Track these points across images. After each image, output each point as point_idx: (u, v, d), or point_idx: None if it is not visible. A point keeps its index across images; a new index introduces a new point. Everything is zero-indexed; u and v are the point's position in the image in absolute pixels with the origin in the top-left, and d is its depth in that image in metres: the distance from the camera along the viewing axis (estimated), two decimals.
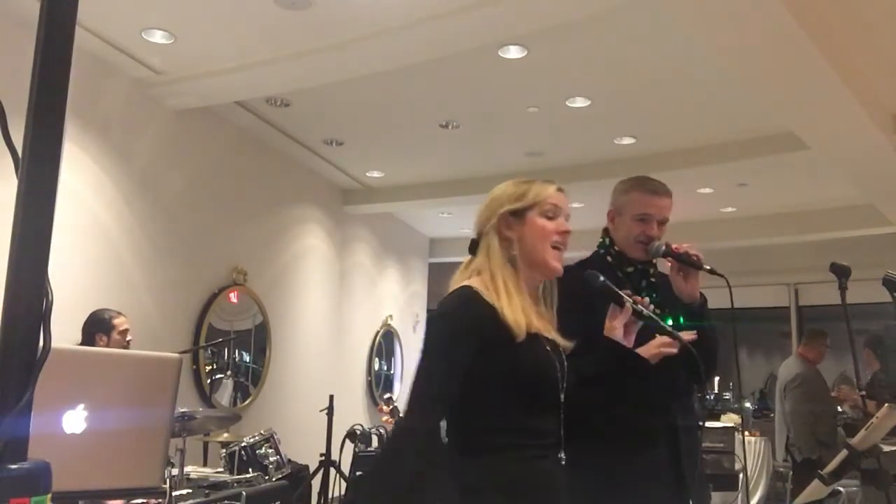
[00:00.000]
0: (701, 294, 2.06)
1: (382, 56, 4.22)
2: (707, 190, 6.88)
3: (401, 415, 1.68)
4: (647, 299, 1.81)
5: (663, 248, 2.05)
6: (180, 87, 4.74)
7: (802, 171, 6.05)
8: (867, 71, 3.94)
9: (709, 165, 5.90)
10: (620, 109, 5.23)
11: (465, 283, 1.61)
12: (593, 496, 1.90)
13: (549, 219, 1.69)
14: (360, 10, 3.82)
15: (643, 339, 1.86)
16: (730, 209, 7.59)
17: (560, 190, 1.74)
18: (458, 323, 1.58)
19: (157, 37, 4.19)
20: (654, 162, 5.91)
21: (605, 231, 2.22)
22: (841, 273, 2.48)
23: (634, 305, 1.76)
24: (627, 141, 5.74)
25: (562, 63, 4.54)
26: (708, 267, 2.00)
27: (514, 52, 4.34)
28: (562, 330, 1.69)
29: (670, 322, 2.03)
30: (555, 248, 1.68)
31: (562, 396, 1.63)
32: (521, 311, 1.58)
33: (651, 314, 1.77)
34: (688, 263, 2.01)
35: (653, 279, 2.16)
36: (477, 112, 5.37)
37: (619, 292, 1.77)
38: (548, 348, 1.63)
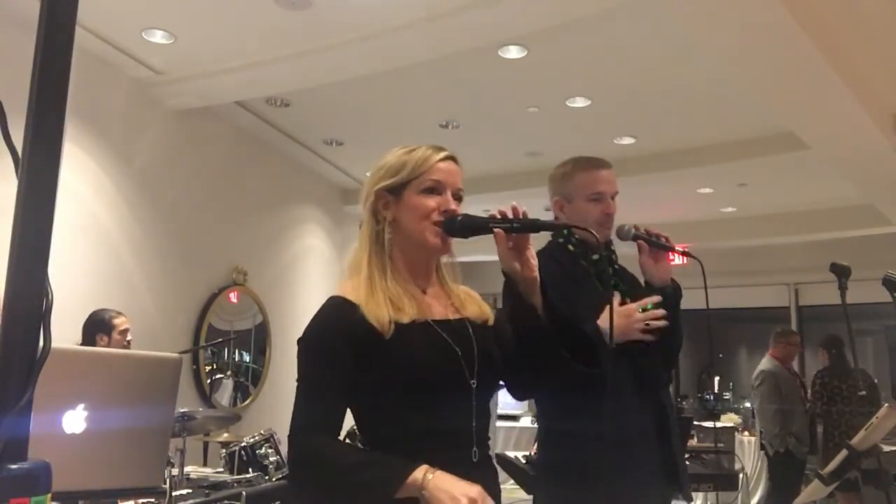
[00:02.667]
0: (673, 279, 1.97)
1: (382, 56, 4.22)
2: (707, 190, 6.88)
3: None
4: (513, 203, 1.47)
5: (633, 231, 1.94)
6: (180, 87, 4.74)
7: (802, 171, 6.04)
8: (867, 71, 3.94)
9: (709, 165, 5.91)
10: (620, 109, 5.23)
11: (335, 292, 1.44)
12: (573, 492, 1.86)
13: (431, 195, 1.45)
14: (360, 10, 3.82)
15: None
16: (730, 209, 7.59)
17: (450, 158, 1.50)
18: (324, 339, 1.40)
19: (157, 37, 4.19)
20: (654, 162, 5.92)
21: (556, 219, 2.10)
22: (841, 273, 2.47)
23: (503, 224, 1.44)
24: (627, 141, 5.74)
25: (562, 63, 4.54)
26: (680, 248, 1.92)
27: (514, 52, 4.34)
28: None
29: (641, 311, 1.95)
30: (437, 224, 1.44)
31: (473, 384, 1.42)
32: (383, 305, 1.38)
33: (522, 221, 1.45)
34: (658, 246, 1.92)
35: (617, 266, 2.06)
36: (477, 112, 5.37)
37: (483, 219, 1.46)
38: (443, 334, 1.42)
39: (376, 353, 1.36)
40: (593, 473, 1.82)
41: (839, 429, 4.95)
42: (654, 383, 1.99)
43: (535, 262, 1.47)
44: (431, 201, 1.45)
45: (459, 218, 1.45)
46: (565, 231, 2.05)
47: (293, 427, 1.38)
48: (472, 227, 1.44)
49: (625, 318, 1.83)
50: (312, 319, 1.44)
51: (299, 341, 1.44)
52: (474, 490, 1.25)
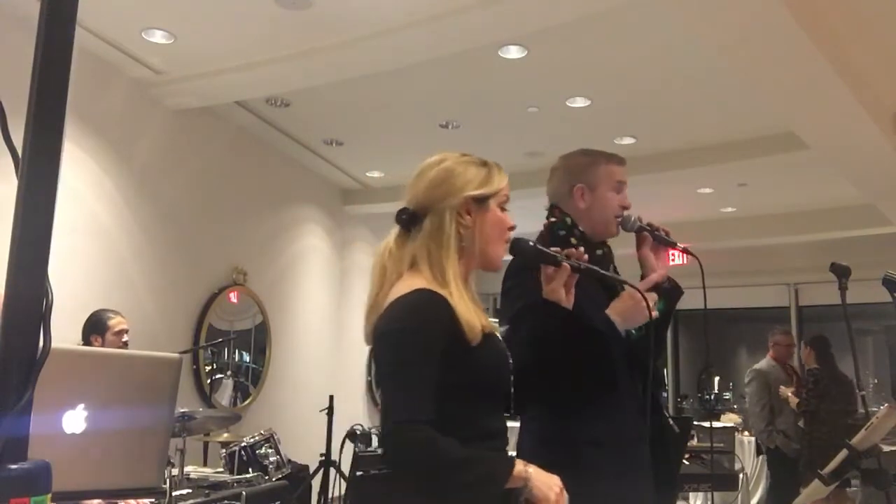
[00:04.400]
0: (671, 278, 1.96)
1: (382, 56, 4.22)
2: (707, 190, 6.88)
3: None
4: (581, 249, 1.63)
5: (638, 222, 1.92)
6: (180, 87, 4.75)
7: (802, 171, 6.04)
8: (867, 70, 3.94)
9: (709, 165, 5.91)
10: (620, 109, 5.23)
11: (420, 286, 1.43)
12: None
13: (504, 211, 1.55)
14: (360, 10, 3.82)
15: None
16: (730, 209, 7.59)
17: None
18: (425, 331, 1.39)
19: (157, 37, 4.19)
20: (654, 162, 5.92)
21: (557, 210, 2.03)
22: (841, 273, 2.47)
23: (571, 261, 1.59)
24: (627, 141, 5.74)
25: (562, 63, 4.54)
26: (682, 246, 1.91)
27: (514, 52, 4.34)
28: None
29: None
30: (505, 242, 1.56)
31: (511, 391, 1.53)
32: (473, 312, 1.43)
33: (588, 266, 1.62)
34: (662, 241, 1.91)
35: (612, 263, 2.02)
36: (477, 112, 5.37)
37: (552, 252, 1.59)
38: (502, 343, 1.51)
39: (460, 355, 1.39)
40: (590, 476, 1.78)
41: (826, 425, 4.97)
42: (655, 383, 1.98)
43: (571, 297, 1.63)
44: (506, 218, 1.55)
45: (531, 243, 1.59)
46: (568, 221, 2.00)
47: (396, 416, 1.35)
48: (542, 256, 1.59)
49: (632, 300, 1.79)
50: (408, 309, 1.41)
51: (394, 330, 1.41)
52: (559, 480, 1.41)
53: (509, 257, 1.66)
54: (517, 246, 1.57)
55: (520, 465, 1.37)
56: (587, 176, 2.01)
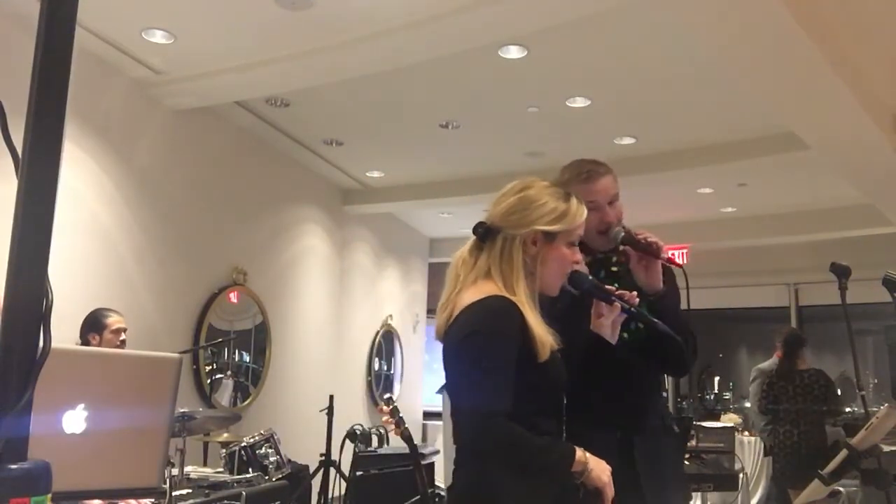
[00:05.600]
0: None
1: (382, 56, 4.22)
2: (707, 190, 6.88)
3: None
4: (634, 293, 1.74)
5: (622, 234, 1.93)
6: (180, 87, 4.74)
7: (802, 171, 6.05)
8: (867, 71, 3.94)
9: (709, 165, 5.90)
10: (620, 109, 5.23)
11: (494, 292, 1.56)
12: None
13: (572, 247, 1.65)
14: (360, 10, 3.82)
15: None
16: (730, 209, 7.59)
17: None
18: (507, 333, 1.52)
19: (157, 37, 4.19)
20: (654, 162, 5.91)
21: None
22: (841, 273, 2.47)
23: (623, 302, 1.71)
24: (627, 141, 5.74)
25: (562, 63, 4.54)
26: (665, 256, 1.89)
27: (514, 52, 4.34)
28: None
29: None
30: (565, 276, 1.67)
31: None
32: (543, 328, 1.55)
33: (639, 309, 1.73)
34: (645, 252, 1.89)
35: (613, 268, 2.01)
36: (477, 112, 5.37)
37: (608, 290, 1.72)
38: (562, 362, 1.62)
39: (528, 363, 1.51)
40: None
41: (784, 427, 4.97)
42: (649, 385, 1.98)
43: (616, 334, 1.76)
44: (572, 255, 1.65)
45: (590, 278, 1.72)
46: None
47: (484, 408, 1.47)
48: (597, 292, 1.71)
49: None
50: (486, 313, 1.53)
51: (477, 332, 1.53)
52: (608, 466, 1.55)
53: None
54: (575, 279, 1.67)
55: (580, 452, 1.52)
56: None
